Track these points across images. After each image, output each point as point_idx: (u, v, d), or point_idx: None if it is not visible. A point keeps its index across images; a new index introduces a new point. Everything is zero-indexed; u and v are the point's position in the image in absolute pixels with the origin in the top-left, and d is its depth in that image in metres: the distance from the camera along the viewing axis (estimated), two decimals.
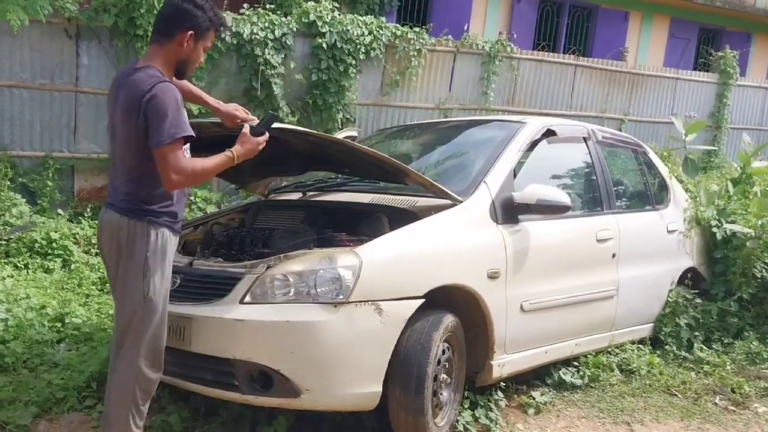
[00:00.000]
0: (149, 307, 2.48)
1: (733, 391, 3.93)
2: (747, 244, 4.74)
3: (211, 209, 6.50)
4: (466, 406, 3.31)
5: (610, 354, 4.17)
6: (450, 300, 3.11)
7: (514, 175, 3.56)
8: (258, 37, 6.98)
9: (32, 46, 6.39)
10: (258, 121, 2.68)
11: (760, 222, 4.82)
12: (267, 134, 2.60)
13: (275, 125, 2.65)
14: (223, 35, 6.74)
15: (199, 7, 2.52)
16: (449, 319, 3.03)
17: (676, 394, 3.89)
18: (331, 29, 7.38)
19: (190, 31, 2.50)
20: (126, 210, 2.47)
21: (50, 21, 6.07)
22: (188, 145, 2.49)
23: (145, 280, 2.45)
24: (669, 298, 4.59)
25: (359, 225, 3.27)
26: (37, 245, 5.53)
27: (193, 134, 2.41)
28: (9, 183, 6.12)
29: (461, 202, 3.25)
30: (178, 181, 2.38)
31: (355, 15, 7.96)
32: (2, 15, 5.41)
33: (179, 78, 2.64)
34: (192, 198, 6.75)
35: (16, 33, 5.78)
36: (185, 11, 2.51)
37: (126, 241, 2.46)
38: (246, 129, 2.58)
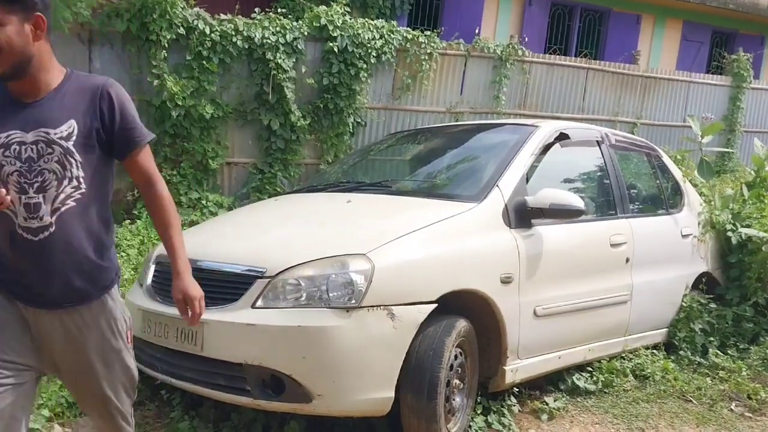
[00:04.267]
0: None
1: (749, 397, 3.88)
2: (762, 248, 4.69)
3: (222, 213, 6.51)
4: (478, 412, 3.29)
5: (624, 359, 4.13)
6: (462, 305, 3.09)
7: (527, 179, 3.54)
8: (269, 41, 6.99)
9: None
10: None
11: None
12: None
13: None
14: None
15: None
16: (462, 324, 3.01)
17: (691, 400, 3.85)
18: (342, 33, 7.39)
19: None
20: None
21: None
22: None
23: None
24: (683, 303, 4.54)
25: None
26: None
27: None
28: None
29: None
30: None
31: (366, 19, 7.96)
32: None
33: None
34: (203, 202, 6.76)
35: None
36: None
37: None
38: None
